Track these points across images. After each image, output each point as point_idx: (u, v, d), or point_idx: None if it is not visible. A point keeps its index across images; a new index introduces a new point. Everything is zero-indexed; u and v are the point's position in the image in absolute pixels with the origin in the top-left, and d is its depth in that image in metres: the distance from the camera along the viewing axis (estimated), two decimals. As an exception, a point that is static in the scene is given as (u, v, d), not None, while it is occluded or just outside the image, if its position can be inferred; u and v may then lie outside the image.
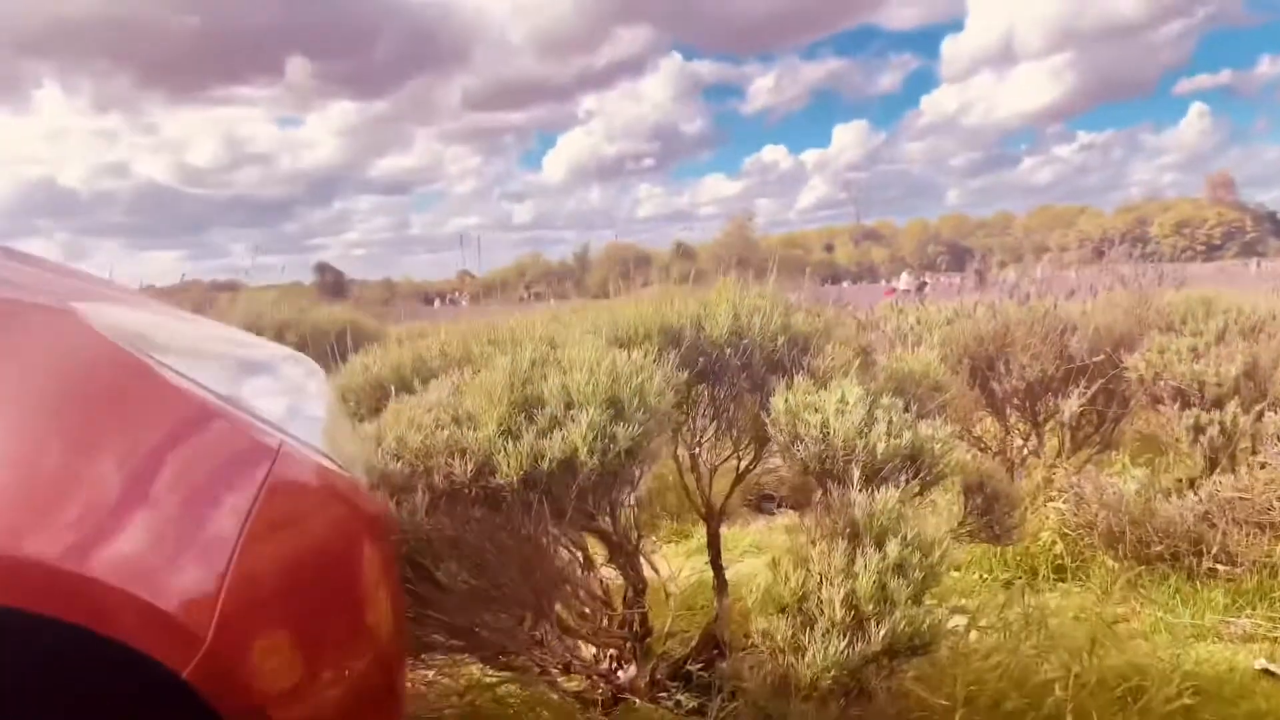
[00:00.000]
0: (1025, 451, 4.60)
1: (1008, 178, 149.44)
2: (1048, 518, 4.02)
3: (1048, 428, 4.59)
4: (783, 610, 1.98)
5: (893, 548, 2.01)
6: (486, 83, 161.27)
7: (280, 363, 1.40)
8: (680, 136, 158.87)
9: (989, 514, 2.67)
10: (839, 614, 1.90)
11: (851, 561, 2.01)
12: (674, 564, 3.75)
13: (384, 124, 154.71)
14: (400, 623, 1.49)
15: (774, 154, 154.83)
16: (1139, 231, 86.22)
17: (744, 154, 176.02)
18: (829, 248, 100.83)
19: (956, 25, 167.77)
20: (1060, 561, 3.87)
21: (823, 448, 2.31)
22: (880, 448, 2.25)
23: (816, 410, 2.36)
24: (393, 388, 2.45)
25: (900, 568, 2.02)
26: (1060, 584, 3.83)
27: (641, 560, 2.71)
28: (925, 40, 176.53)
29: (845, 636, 1.88)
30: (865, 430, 2.30)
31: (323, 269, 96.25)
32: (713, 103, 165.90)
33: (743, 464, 2.80)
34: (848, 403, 2.37)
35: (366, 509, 1.34)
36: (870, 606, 1.93)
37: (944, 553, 2.08)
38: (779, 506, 5.09)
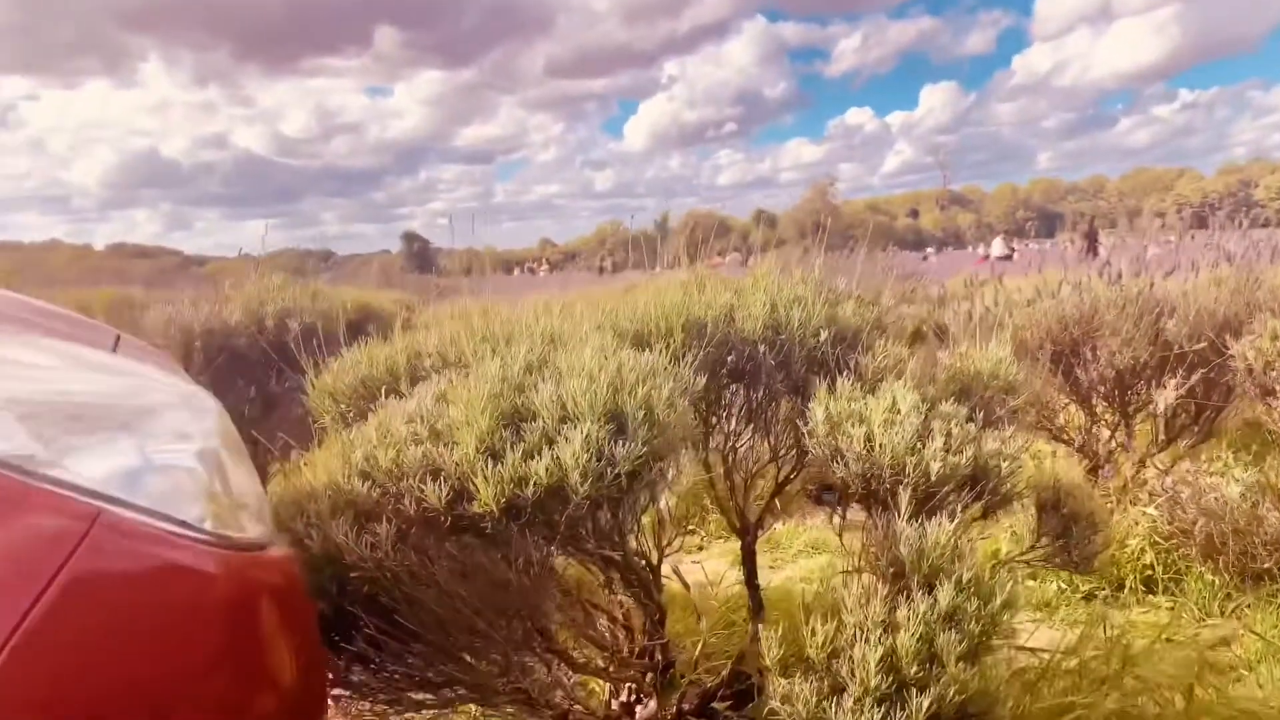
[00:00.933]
0: (1113, 444, 4.17)
1: (1103, 140, 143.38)
2: (1137, 522, 3.61)
3: (1139, 419, 4.15)
4: (807, 670, 1.67)
5: (944, 594, 1.68)
6: (570, 50, 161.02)
7: (159, 407, 1.13)
8: (763, 101, 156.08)
9: (1065, 537, 2.31)
10: (874, 680, 1.58)
11: (893, 610, 1.68)
12: (720, 565, 3.46)
13: (469, 92, 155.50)
14: (313, 683, 1.23)
15: (859, 117, 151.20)
16: (1242, 194, 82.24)
17: (828, 117, 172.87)
18: (914, 213, 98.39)
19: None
20: (1150, 573, 3.47)
21: (867, 466, 1.97)
22: (935, 468, 1.91)
23: (861, 420, 2.02)
24: (383, 390, 2.18)
25: (953, 617, 1.69)
26: (1150, 598, 3.44)
27: (668, 575, 2.43)
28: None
29: (880, 708, 1.56)
30: (918, 446, 1.96)
31: (410, 238, 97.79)
32: (797, 65, 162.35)
33: (782, 472, 2.48)
34: (899, 411, 2.03)
35: (245, 575, 1.06)
36: (913, 668, 1.61)
37: (1008, 599, 1.74)
38: (841, 499, 4.74)
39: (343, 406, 2.26)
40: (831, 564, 3.69)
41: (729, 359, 2.28)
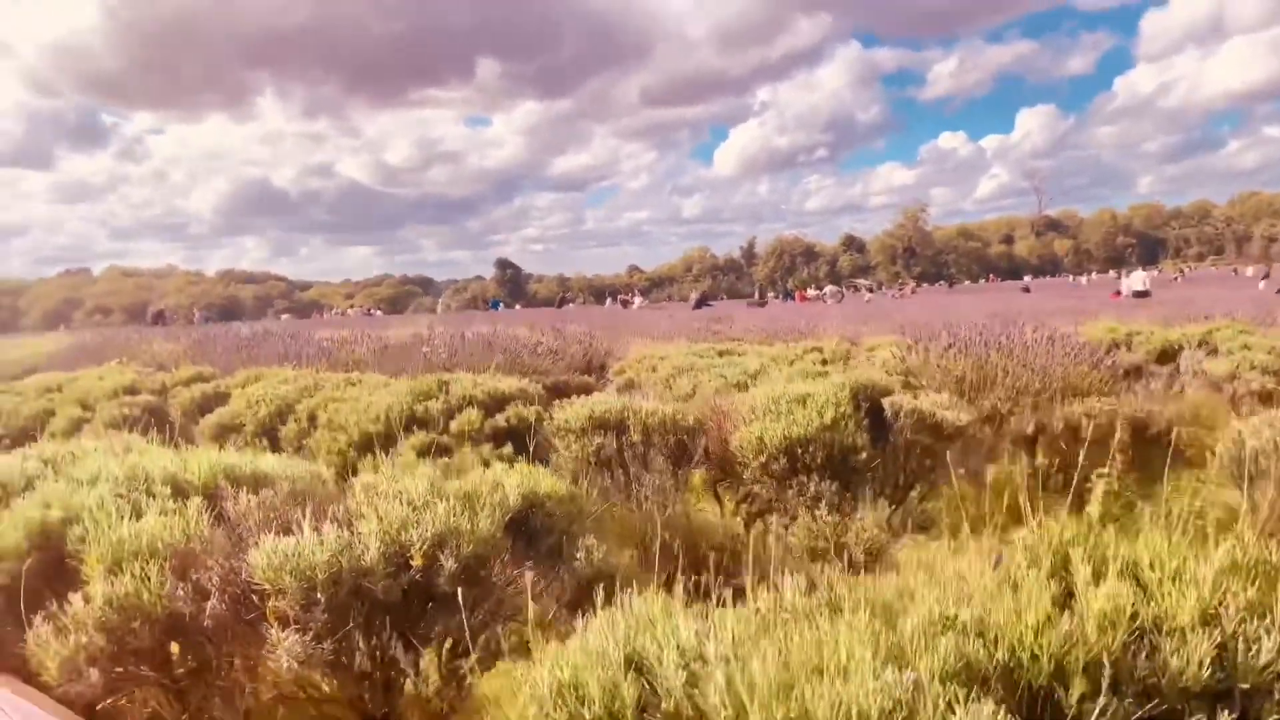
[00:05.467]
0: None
1: (1209, 163, 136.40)
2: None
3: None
4: None
5: None
6: (664, 78, 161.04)
7: None
8: (855, 125, 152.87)
9: None
10: None
11: None
12: None
13: (565, 122, 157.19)
14: None
15: (952, 141, 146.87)
16: (1359, 219, 77.59)
17: (921, 142, 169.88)
18: (1008, 239, 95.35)
19: (1159, 0, 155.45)
20: None
21: None
22: None
23: None
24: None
25: None
26: None
27: None
28: (1122, 18, 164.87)
29: None
30: None
31: (503, 264, 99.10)
32: (891, 89, 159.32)
33: None
34: None
35: None
36: None
37: None
38: None
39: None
40: None
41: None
